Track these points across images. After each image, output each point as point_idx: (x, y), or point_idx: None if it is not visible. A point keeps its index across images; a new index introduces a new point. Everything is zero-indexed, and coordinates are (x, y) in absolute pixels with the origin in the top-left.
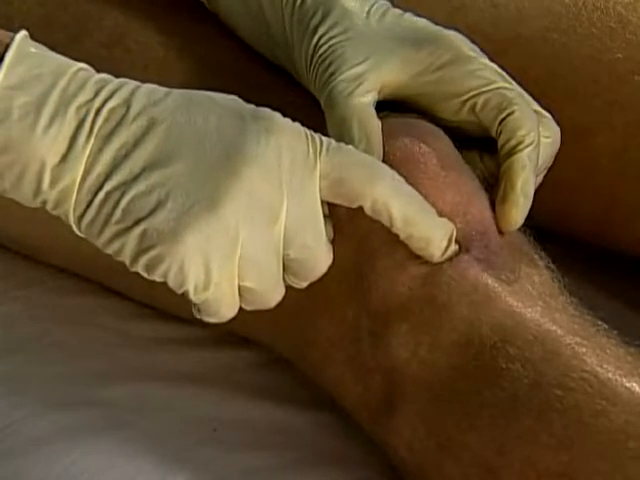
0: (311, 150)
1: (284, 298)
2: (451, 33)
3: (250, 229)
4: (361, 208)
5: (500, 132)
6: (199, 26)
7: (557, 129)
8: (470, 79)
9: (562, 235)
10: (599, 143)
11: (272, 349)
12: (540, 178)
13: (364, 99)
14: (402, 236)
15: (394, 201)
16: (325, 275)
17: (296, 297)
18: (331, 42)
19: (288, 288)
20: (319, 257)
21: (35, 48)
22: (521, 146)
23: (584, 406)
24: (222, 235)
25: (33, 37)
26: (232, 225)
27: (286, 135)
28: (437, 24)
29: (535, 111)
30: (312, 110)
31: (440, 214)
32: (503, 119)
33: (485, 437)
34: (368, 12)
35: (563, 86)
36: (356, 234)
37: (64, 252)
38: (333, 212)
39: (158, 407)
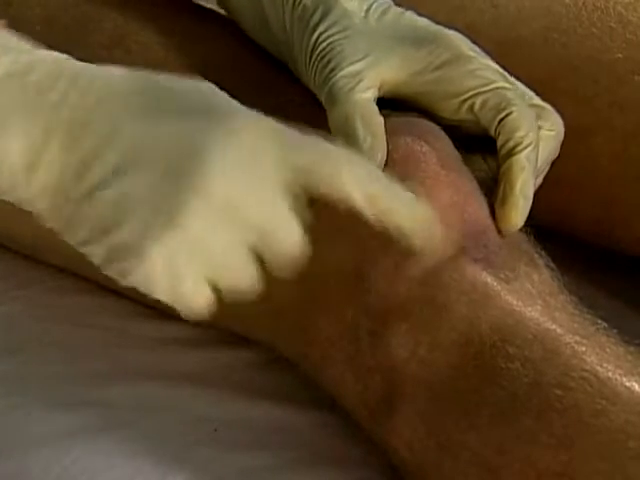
0: (276, 146)
1: (284, 298)
2: (451, 33)
3: (215, 235)
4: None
5: (499, 133)
6: (199, 26)
7: (560, 121)
8: (469, 79)
9: (562, 235)
10: (599, 143)
11: (272, 349)
12: (540, 178)
13: (365, 95)
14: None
15: (356, 184)
16: (325, 275)
17: (296, 297)
18: (330, 40)
19: (288, 288)
20: (290, 249)
21: None
22: (519, 147)
23: (584, 405)
24: (187, 245)
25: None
26: (196, 234)
27: (249, 134)
28: (438, 24)
29: (536, 105)
30: (313, 108)
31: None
32: (501, 119)
33: (485, 436)
34: (367, 11)
35: (563, 86)
36: (356, 234)
37: (64, 252)
38: (333, 212)
39: (158, 407)
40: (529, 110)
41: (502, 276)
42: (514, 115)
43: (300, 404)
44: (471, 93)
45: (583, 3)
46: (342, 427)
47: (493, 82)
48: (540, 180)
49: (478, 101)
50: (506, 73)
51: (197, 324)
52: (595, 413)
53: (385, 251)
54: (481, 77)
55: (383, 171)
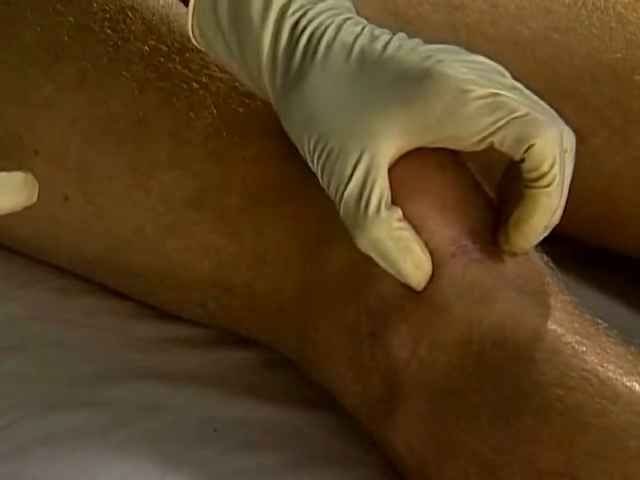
0: None
1: (285, 298)
2: (441, 63)
3: None
4: None
5: (524, 161)
6: None
7: (572, 138)
8: (475, 120)
9: (562, 235)
10: (599, 143)
11: (272, 349)
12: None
13: (384, 216)
14: None
15: None
16: (325, 275)
17: (297, 297)
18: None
19: (289, 289)
20: None
21: None
22: (544, 182)
23: (584, 405)
24: None
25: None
26: None
27: None
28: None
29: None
30: None
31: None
32: (525, 151)
33: (485, 436)
34: (348, 57)
35: (563, 86)
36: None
37: (65, 252)
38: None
39: (158, 407)
40: (552, 134)
41: (501, 277)
42: (538, 146)
43: (300, 404)
44: (485, 133)
45: (583, 3)
46: (342, 427)
47: (504, 116)
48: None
49: (496, 139)
50: (507, 73)
51: (197, 324)
52: (596, 413)
53: None
54: (488, 113)
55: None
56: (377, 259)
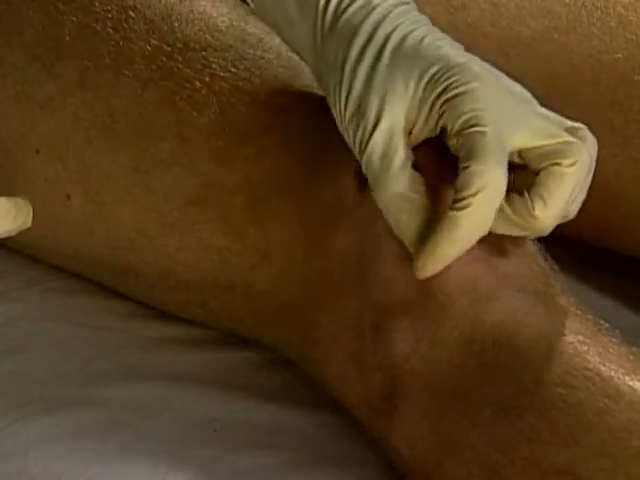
0: None
1: (286, 295)
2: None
3: None
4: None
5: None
6: None
7: (585, 150)
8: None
9: (562, 235)
10: (599, 143)
11: (272, 349)
12: (577, 205)
13: (402, 177)
14: None
15: None
16: (327, 271)
17: (298, 294)
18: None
19: (291, 285)
20: None
21: None
22: (461, 204)
23: (587, 404)
24: None
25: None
26: None
27: None
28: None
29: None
30: None
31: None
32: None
33: (487, 435)
34: (386, 40)
35: (563, 86)
36: (357, 230)
37: (65, 252)
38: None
39: (158, 407)
40: (494, 170)
41: (504, 276)
42: (471, 169)
43: (300, 404)
44: (453, 133)
45: (583, 3)
46: (343, 427)
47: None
48: (581, 200)
49: (456, 144)
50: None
51: (197, 324)
52: (598, 411)
53: (387, 247)
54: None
55: None
56: (390, 219)
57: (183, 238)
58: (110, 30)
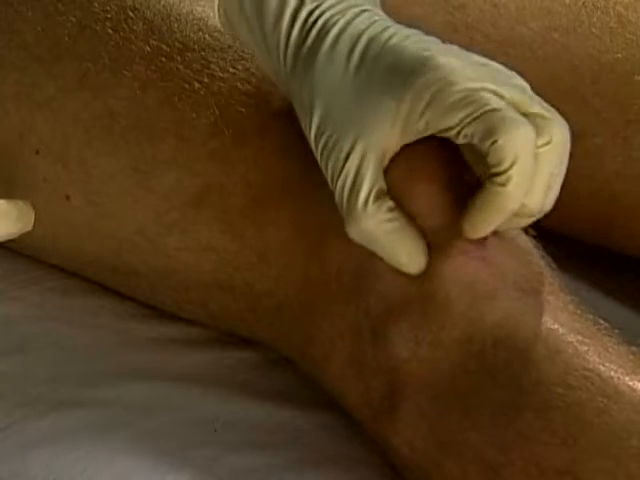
0: None
1: (286, 298)
2: (431, 58)
3: None
4: None
5: (488, 155)
6: None
7: (561, 129)
8: (449, 115)
9: (562, 235)
10: (599, 143)
11: (272, 349)
12: (556, 189)
13: (375, 212)
14: None
15: None
16: (327, 274)
17: (298, 296)
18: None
19: (290, 288)
20: None
21: None
22: (502, 179)
23: (586, 404)
24: None
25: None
26: None
27: None
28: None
29: (531, 114)
30: None
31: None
32: (489, 146)
33: (487, 435)
34: (351, 52)
35: (563, 86)
36: None
37: (65, 252)
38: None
39: (158, 407)
40: (519, 133)
41: (502, 275)
42: (500, 143)
43: (300, 404)
44: (459, 127)
45: (583, 3)
46: (342, 427)
47: (476, 110)
48: (556, 191)
49: (468, 133)
50: (501, 69)
51: (197, 324)
52: (597, 411)
53: None
54: (463, 106)
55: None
56: (370, 248)
57: (183, 238)
58: (110, 30)
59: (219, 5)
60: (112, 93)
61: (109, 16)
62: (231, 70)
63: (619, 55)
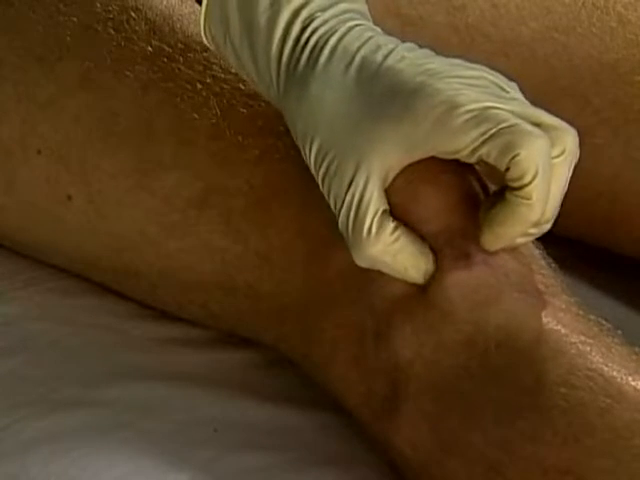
0: None
1: (288, 299)
2: (429, 81)
3: None
4: None
5: (508, 169)
6: None
7: (571, 138)
8: (461, 136)
9: (563, 236)
10: (599, 143)
11: (273, 349)
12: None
13: (380, 235)
14: None
15: None
16: (330, 276)
17: (300, 298)
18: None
19: (293, 289)
20: None
21: None
22: (526, 193)
23: (589, 404)
24: None
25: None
26: None
27: None
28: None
29: (543, 125)
30: None
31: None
32: (509, 161)
33: (489, 435)
34: (345, 72)
35: (563, 86)
36: None
37: (66, 252)
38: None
39: (158, 407)
40: (538, 145)
41: (505, 277)
42: (521, 156)
43: (301, 404)
44: (473, 147)
45: (583, 3)
46: (343, 427)
47: (491, 128)
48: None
49: (484, 152)
50: (503, 81)
51: (197, 324)
52: (600, 411)
53: None
54: (475, 126)
55: None
56: (378, 269)
57: (184, 239)
58: (111, 31)
59: (204, 28)
60: (114, 94)
61: (111, 16)
62: (233, 71)
63: (619, 55)
